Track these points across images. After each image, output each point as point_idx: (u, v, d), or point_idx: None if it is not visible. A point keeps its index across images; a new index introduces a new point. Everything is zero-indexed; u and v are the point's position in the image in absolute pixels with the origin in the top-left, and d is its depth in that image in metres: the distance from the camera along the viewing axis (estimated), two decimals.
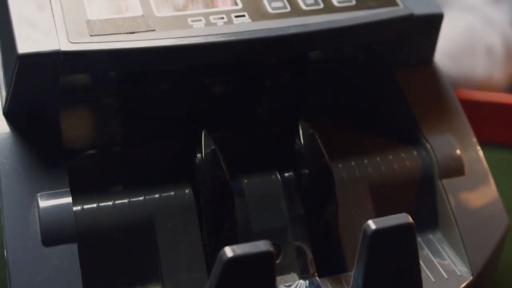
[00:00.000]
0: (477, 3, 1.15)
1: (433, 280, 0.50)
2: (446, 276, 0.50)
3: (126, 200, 0.47)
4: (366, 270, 0.43)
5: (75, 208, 0.45)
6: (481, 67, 1.12)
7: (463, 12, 1.10)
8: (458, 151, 0.53)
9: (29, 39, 0.45)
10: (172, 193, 0.48)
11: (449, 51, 0.99)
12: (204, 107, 0.56)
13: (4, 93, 0.48)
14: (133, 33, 0.47)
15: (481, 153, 0.54)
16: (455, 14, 0.98)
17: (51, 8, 0.47)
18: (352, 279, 0.44)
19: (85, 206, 0.46)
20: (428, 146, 0.53)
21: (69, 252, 0.44)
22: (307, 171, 0.49)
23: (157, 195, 0.48)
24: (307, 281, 0.49)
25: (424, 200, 0.52)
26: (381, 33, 0.52)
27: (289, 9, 0.50)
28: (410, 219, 0.43)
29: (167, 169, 0.52)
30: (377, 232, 0.42)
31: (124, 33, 0.47)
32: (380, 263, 0.43)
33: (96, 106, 0.51)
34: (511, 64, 1.17)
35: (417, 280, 0.45)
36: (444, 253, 0.52)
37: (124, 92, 0.52)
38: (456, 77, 1.00)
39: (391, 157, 0.53)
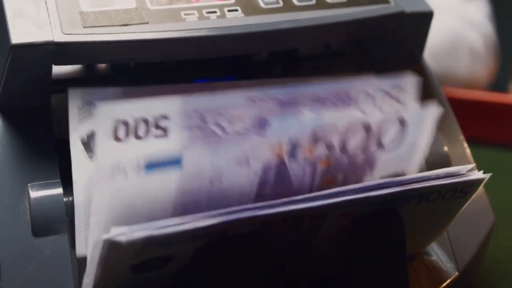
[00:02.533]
0: (453, 3, 1.16)
1: (419, 275, 0.51)
2: (432, 272, 0.51)
3: None
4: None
5: (65, 199, 0.45)
6: (463, 66, 1.13)
7: (441, 12, 1.11)
8: (445, 148, 0.54)
9: (23, 30, 0.45)
10: None
11: (431, 50, 1.00)
12: None
13: None
14: (126, 25, 0.47)
15: (468, 150, 0.55)
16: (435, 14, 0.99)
17: None
18: None
19: None
20: None
21: (59, 242, 0.44)
22: None
23: None
24: None
25: None
26: (372, 30, 0.53)
27: (281, 4, 0.51)
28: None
29: None
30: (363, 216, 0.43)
31: (117, 25, 0.47)
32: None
33: None
34: (491, 62, 1.19)
35: (404, 274, 0.46)
36: (430, 249, 0.53)
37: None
38: (439, 75, 1.01)
39: None
